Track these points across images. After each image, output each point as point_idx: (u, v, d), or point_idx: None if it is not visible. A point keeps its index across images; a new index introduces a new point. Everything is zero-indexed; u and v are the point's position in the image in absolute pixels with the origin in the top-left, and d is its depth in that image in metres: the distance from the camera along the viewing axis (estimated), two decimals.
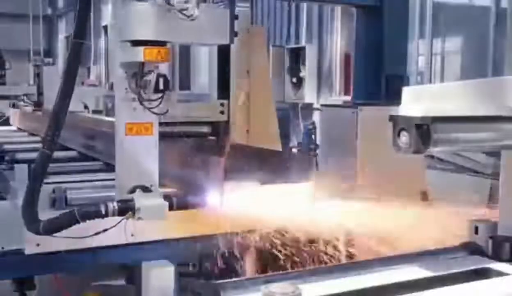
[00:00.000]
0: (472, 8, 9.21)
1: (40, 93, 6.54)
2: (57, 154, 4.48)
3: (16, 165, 3.45)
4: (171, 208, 2.82)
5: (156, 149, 2.97)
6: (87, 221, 2.68)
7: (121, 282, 5.68)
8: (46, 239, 2.84)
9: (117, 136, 2.95)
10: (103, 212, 2.68)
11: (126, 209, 2.71)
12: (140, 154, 2.94)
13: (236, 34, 3.22)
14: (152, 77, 2.80)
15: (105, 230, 2.71)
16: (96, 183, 3.49)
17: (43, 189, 2.92)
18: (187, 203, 2.94)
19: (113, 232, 2.91)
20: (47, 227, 2.68)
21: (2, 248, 2.92)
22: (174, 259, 2.90)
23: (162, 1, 2.67)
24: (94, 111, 6.47)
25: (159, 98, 2.85)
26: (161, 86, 2.81)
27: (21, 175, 3.19)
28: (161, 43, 2.79)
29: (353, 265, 2.60)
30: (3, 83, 10.75)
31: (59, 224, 2.69)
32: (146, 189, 2.87)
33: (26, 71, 12.71)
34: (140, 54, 2.74)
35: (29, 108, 6.83)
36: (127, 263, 3.39)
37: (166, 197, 2.85)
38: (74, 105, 5.75)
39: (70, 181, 3.47)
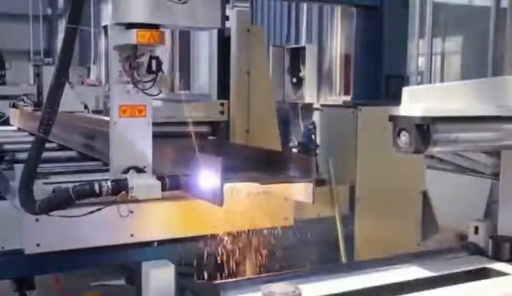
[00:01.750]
0: (472, 8, 9.21)
1: (40, 93, 6.53)
2: (57, 154, 4.50)
3: (16, 165, 3.45)
4: (164, 188, 2.85)
5: (149, 130, 3.02)
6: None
7: (121, 282, 5.69)
8: (46, 239, 2.84)
9: (111, 119, 3.00)
10: (97, 191, 2.72)
11: (119, 188, 2.74)
12: (134, 135, 2.99)
13: (227, 18, 3.25)
14: (144, 59, 2.86)
15: (99, 209, 2.74)
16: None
17: (43, 189, 2.93)
18: (180, 184, 2.94)
19: (113, 232, 2.91)
20: (44, 206, 2.71)
21: (2, 248, 2.91)
22: (174, 259, 2.90)
23: None
24: (94, 111, 6.46)
25: (152, 79, 2.91)
26: (153, 68, 2.88)
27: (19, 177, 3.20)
28: (154, 26, 2.82)
29: (353, 265, 2.61)
30: (3, 83, 10.75)
31: (55, 203, 2.73)
32: (139, 170, 2.93)
33: (26, 71, 12.72)
34: (133, 36, 2.79)
35: (29, 108, 6.82)
36: (127, 263, 3.39)
37: (160, 177, 2.88)
38: (74, 105, 5.78)
39: (70, 181, 3.46)
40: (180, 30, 6.35)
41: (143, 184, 2.80)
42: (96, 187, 2.73)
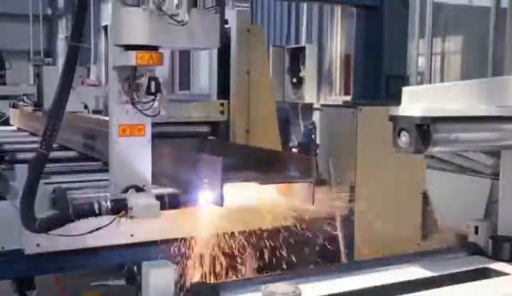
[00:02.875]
0: (472, 8, 9.20)
1: (40, 93, 6.53)
2: (57, 154, 4.49)
3: (16, 165, 3.46)
4: (163, 207, 2.85)
5: (148, 149, 3.03)
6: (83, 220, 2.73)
7: (121, 282, 5.69)
8: (46, 239, 2.85)
9: (110, 137, 3.00)
10: (97, 211, 2.72)
11: (119, 207, 2.74)
12: (133, 154, 3.00)
13: (226, 22, 3.25)
14: (144, 81, 2.86)
15: (99, 229, 2.74)
16: (96, 183, 3.49)
17: (43, 189, 2.93)
18: (179, 202, 2.97)
19: (113, 232, 2.91)
20: (43, 225, 2.73)
21: (2, 248, 2.92)
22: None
23: (154, 7, 2.71)
24: (94, 111, 6.45)
25: (151, 100, 2.92)
26: (152, 89, 2.89)
27: (21, 175, 3.21)
28: (153, 48, 2.83)
29: (353, 265, 2.61)
30: (3, 83, 10.75)
31: (54, 222, 2.75)
32: (139, 189, 2.94)
33: (26, 71, 12.73)
34: (132, 58, 2.80)
35: (29, 108, 6.82)
36: (127, 263, 3.39)
37: (159, 196, 2.88)
38: (74, 105, 5.77)
39: (70, 181, 3.47)
40: None
41: (142, 204, 2.80)
42: (96, 206, 2.74)
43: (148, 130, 3.04)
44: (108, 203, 2.75)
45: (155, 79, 2.91)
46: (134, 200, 2.79)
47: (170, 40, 2.85)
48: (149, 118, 3.01)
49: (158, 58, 2.85)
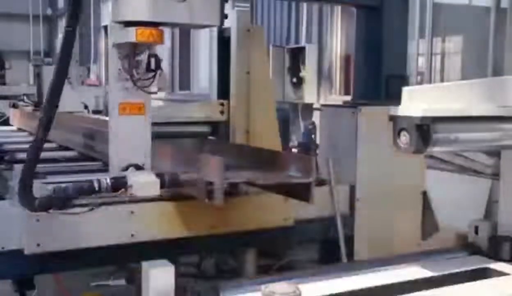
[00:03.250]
0: (472, 8, 9.20)
1: (40, 93, 6.53)
2: (57, 154, 4.49)
3: (16, 165, 3.45)
4: (163, 185, 2.84)
5: (148, 128, 3.03)
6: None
7: (121, 282, 5.68)
8: (46, 239, 2.84)
9: (110, 116, 3.01)
10: (97, 188, 2.73)
11: (119, 185, 2.74)
12: (133, 133, 3.00)
13: (226, 16, 3.27)
14: (144, 57, 2.87)
15: (99, 206, 2.75)
16: None
17: (43, 189, 2.92)
18: (179, 181, 2.94)
19: (113, 232, 2.91)
20: (43, 204, 2.71)
21: (2, 248, 2.92)
22: (174, 259, 2.90)
23: None
24: (94, 111, 6.45)
25: (151, 77, 2.92)
26: (152, 66, 2.88)
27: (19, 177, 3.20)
28: (154, 25, 2.82)
29: (353, 265, 2.61)
30: (3, 83, 10.75)
31: (55, 200, 2.73)
32: (139, 167, 2.94)
33: (26, 71, 12.72)
34: (132, 34, 2.80)
35: (29, 108, 6.82)
36: (127, 263, 3.39)
37: (159, 174, 2.87)
38: (74, 105, 5.77)
39: (70, 181, 3.46)
40: (180, 30, 6.33)
41: (142, 181, 2.80)
42: (96, 184, 2.74)
43: (148, 109, 3.05)
44: (108, 180, 2.75)
45: (155, 56, 2.92)
46: (134, 177, 2.79)
47: (170, 16, 2.86)
48: (149, 97, 3.02)
49: (159, 35, 2.85)
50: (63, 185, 3.15)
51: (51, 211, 2.74)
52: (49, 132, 2.81)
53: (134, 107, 3.04)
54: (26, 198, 2.74)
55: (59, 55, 2.84)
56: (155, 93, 3.07)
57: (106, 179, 2.77)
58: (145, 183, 2.82)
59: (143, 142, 3.04)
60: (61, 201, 2.74)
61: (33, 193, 2.74)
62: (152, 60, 2.90)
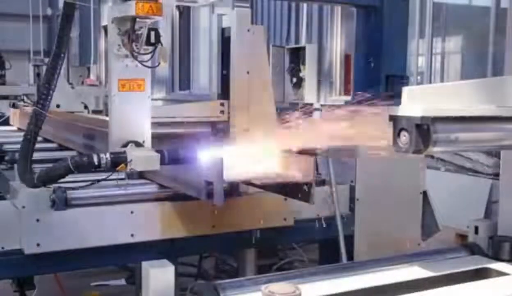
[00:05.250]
0: (472, 8, 9.21)
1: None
2: (57, 154, 4.49)
3: (16, 165, 3.45)
4: (163, 161, 2.83)
5: (148, 104, 3.02)
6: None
7: (121, 282, 5.68)
8: (46, 239, 2.84)
9: (110, 93, 3.01)
10: (96, 163, 2.71)
11: (118, 160, 2.73)
12: (133, 109, 2.99)
13: (226, 37, 3.26)
14: (143, 31, 2.86)
15: (99, 181, 2.72)
16: (96, 183, 3.48)
17: (43, 189, 2.92)
18: (179, 156, 2.92)
19: (113, 232, 2.91)
20: (43, 178, 2.71)
21: (2, 248, 2.91)
22: (174, 259, 2.90)
23: None
24: (94, 111, 6.45)
25: (151, 51, 2.91)
26: (152, 39, 2.88)
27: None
28: None
29: (353, 265, 2.60)
30: (3, 83, 10.74)
31: (54, 174, 2.73)
32: (138, 144, 2.93)
33: (26, 71, 12.71)
34: (132, 8, 2.79)
35: (29, 108, 6.82)
36: (127, 263, 3.39)
37: (159, 150, 2.87)
38: (74, 105, 5.77)
39: (70, 181, 3.46)
40: (180, 30, 6.31)
41: (142, 156, 2.78)
42: (95, 159, 2.72)
43: (148, 85, 3.04)
44: (108, 156, 2.73)
45: (155, 29, 2.91)
46: (133, 152, 2.77)
47: None
48: (148, 73, 3.01)
49: (158, 8, 2.84)
50: (63, 186, 3.16)
51: (50, 185, 2.72)
52: (48, 107, 2.80)
53: (134, 84, 3.02)
54: (25, 173, 2.73)
55: (58, 32, 2.85)
56: (156, 67, 3.05)
57: (105, 154, 2.75)
58: (145, 157, 2.78)
59: (143, 118, 3.02)
60: (59, 175, 2.72)
61: (32, 169, 2.74)
62: (152, 34, 2.88)
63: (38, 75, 6.89)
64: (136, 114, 3.02)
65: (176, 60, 14.14)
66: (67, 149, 4.73)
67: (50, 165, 3.79)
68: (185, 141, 4.28)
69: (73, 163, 2.71)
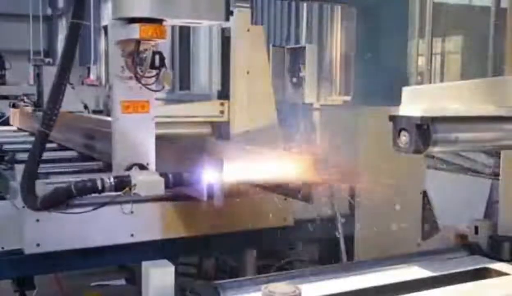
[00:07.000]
0: (472, 8, 9.21)
1: (40, 93, 6.53)
2: (57, 154, 4.49)
3: (16, 165, 3.45)
4: (167, 185, 2.82)
5: (152, 126, 3.00)
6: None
7: (121, 282, 5.69)
8: (46, 239, 2.84)
9: (113, 115, 2.98)
10: (100, 187, 2.69)
11: (122, 184, 2.71)
12: (137, 132, 2.97)
13: (231, 13, 3.23)
14: (148, 54, 2.84)
15: (103, 205, 2.71)
16: None
17: (43, 189, 2.92)
18: (183, 180, 2.91)
19: (113, 232, 2.91)
20: (45, 202, 2.69)
21: (2, 248, 2.92)
22: (174, 259, 2.90)
23: None
24: (94, 111, 6.45)
25: (155, 75, 2.89)
26: (157, 63, 2.85)
27: (21, 175, 3.20)
28: (157, 21, 2.80)
29: (353, 265, 2.61)
30: (3, 83, 10.74)
31: (57, 198, 2.70)
32: (142, 167, 2.90)
33: (26, 71, 12.71)
34: (136, 31, 2.77)
35: (29, 108, 6.82)
36: (127, 263, 3.39)
37: (163, 174, 2.85)
38: (74, 105, 5.77)
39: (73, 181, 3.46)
40: (180, 30, 6.32)
41: (146, 180, 2.76)
42: (99, 183, 2.69)
43: (152, 107, 3.01)
44: (112, 180, 2.71)
45: (159, 53, 2.89)
46: (138, 176, 2.75)
47: (174, 13, 2.82)
48: (152, 95, 2.98)
49: (162, 32, 2.82)
50: (66, 184, 3.16)
51: (52, 210, 2.72)
52: (52, 128, 2.80)
53: (138, 106, 3.00)
54: (29, 196, 2.73)
55: (62, 53, 2.83)
56: (159, 91, 3.03)
57: (109, 178, 2.73)
58: (149, 182, 2.77)
59: (147, 141, 3.00)
60: (62, 200, 2.72)
61: (35, 192, 2.73)
62: (156, 57, 2.86)
63: (38, 75, 6.88)
64: (140, 136, 2.98)
65: (176, 60, 14.13)
66: (67, 148, 4.73)
67: (50, 165, 3.81)
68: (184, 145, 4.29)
69: (76, 188, 2.68)
